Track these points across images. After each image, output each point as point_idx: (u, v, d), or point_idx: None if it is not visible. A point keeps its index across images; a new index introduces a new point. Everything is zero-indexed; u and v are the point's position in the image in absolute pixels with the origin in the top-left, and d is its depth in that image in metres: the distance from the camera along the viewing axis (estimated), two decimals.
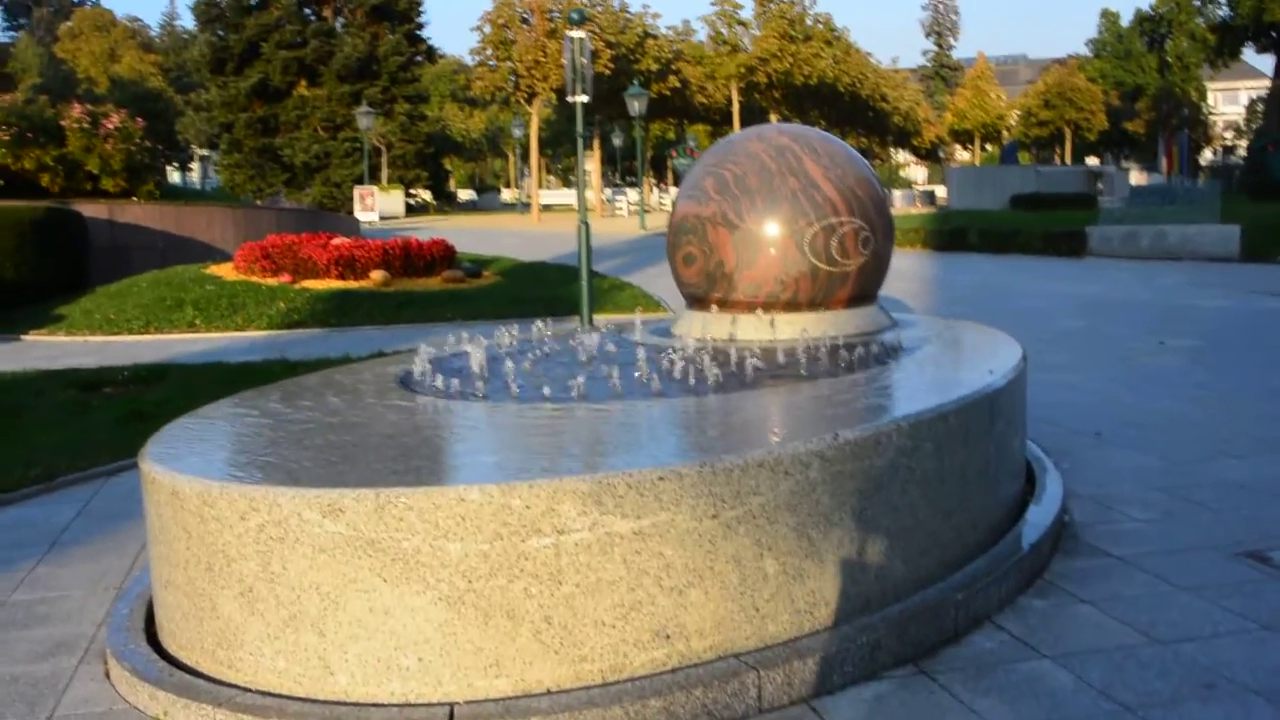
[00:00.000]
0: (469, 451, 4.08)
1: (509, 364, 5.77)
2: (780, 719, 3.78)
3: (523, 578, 3.65)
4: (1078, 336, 12.82)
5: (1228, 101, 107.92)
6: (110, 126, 23.96)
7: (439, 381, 5.46)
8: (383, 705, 3.70)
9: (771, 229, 6.27)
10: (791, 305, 6.36)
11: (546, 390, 5.09)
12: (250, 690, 3.85)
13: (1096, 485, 6.47)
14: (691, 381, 5.24)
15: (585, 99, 12.54)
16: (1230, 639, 4.32)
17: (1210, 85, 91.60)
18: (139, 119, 25.50)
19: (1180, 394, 9.16)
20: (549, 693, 3.70)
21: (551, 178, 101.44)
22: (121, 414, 9.27)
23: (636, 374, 5.44)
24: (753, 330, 6.40)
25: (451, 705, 3.66)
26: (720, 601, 3.86)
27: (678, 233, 6.67)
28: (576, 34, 12.07)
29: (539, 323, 7.03)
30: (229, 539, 3.85)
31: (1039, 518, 5.39)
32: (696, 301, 6.74)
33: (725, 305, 6.48)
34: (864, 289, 6.49)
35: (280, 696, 3.80)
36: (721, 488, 3.81)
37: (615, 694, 3.67)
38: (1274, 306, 15.39)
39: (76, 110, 23.95)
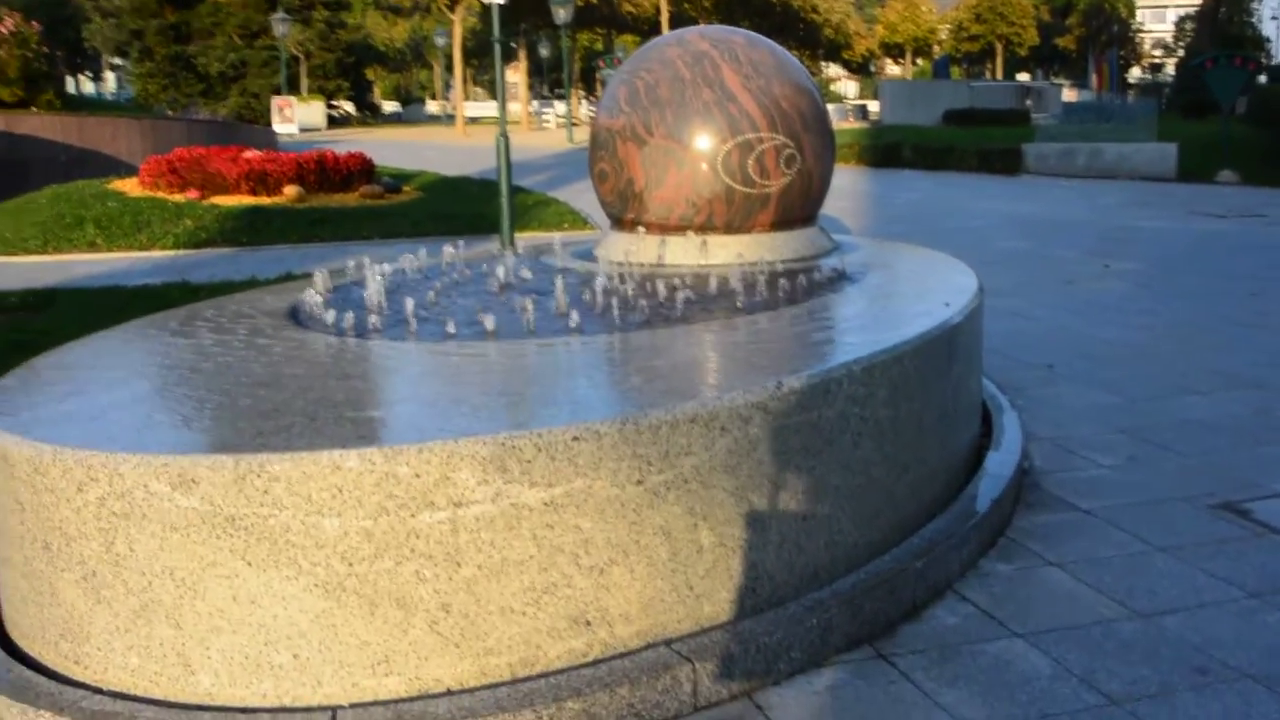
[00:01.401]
0: (352, 404, 3.49)
1: (412, 295, 5.18)
2: (718, 717, 3.25)
3: (414, 559, 3.08)
4: (1020, 259, 12.36)
5: (1155, 19, 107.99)
6: (4, 31, 22.61)
7: (330, 316, 4.84)
8: (253, 710, 3.12)
9: (681, 145, 5.67)
10: (706, 229, 5.78)
11: (450, 327, 4.49)
12: (99, 691, 3.25)
13: (1055, 426, 6.00)
14: (614, 315, 4.66)
15: (502, 1, 11.73)
16: (1217, 610, 3.86)
17: (1139, 2, 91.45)
18: (34, 23, 24.12)
19: (1130, 321, 8.73)
20: (449, 693, 3.14)
21: (478, 89, 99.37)
22: (3, 345, 8.50)
23: (553, 306, 4.86)
24: (682, 253, 5.82)
25: (334, 709, 3.10)
26: (648, 580, 3.31)
27: (593, 146, 6.08)
28: None
29: (448, 246, 6.39)
30: (66, 514, 3.22)
31: (999, 467, 4.89)
32: (617, 222, 6.15)
33: (639, 227, 5.89)
34: (789, 212, 5.87)
35: (133, 699, 3.20)
36: (647, 448, 3.25)
37: (526, 693, 3.12)
38: (1215, 228, 15.04)
39: None
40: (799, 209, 5.89)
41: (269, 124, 47.10)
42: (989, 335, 7.32)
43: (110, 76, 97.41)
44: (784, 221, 5.85)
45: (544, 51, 66.39)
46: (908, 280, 5.98)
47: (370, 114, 74.68)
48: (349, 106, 68.67)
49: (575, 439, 3.15)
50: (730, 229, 5.76)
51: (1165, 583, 4.08)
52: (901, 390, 4.06)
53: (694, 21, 63.56)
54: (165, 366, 4.30)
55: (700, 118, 5.63)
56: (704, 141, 5.62)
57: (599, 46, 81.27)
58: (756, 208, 5.73)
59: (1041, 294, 10.03)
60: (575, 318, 4.58)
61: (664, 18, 64.45)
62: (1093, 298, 9.83)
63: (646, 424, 3.24)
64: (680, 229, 5.79)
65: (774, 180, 5.68)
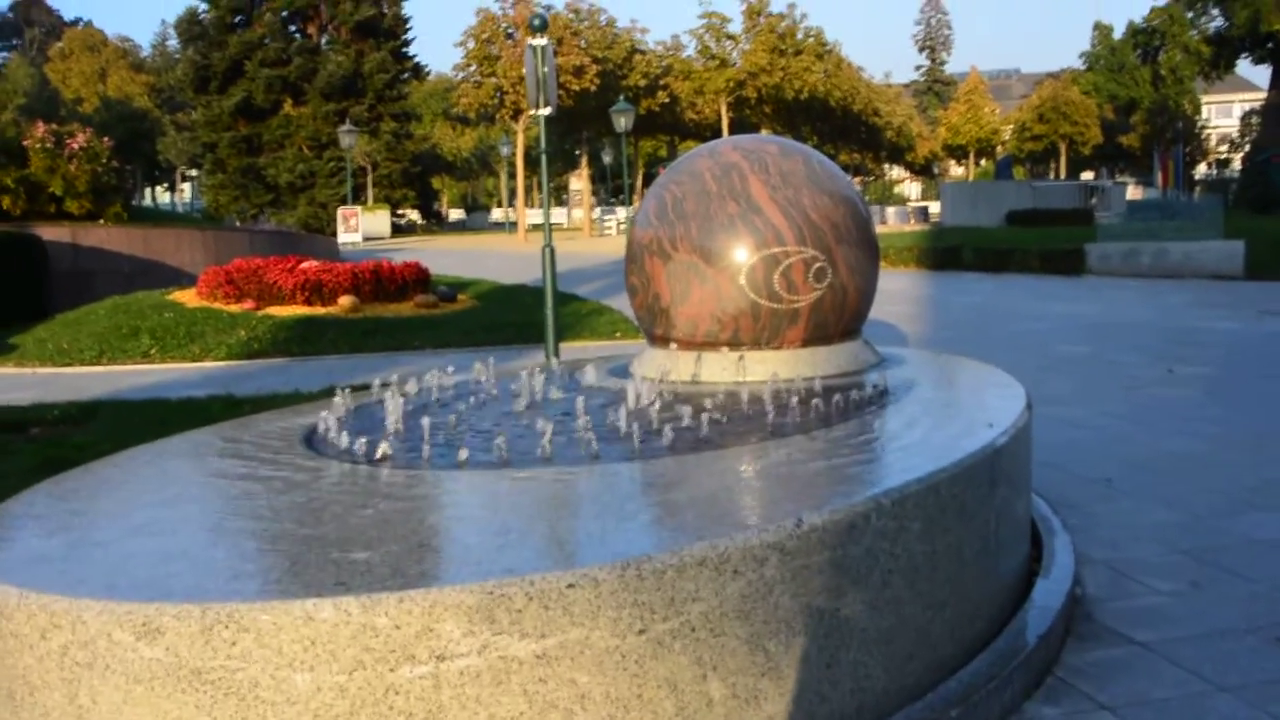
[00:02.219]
0: (340, 544, 3.28)
1: (434, 415, 5.01)
2: None
3: (393, 716, 2.84)
4: (1079, 363, 12.01)
5: (1221, 115, 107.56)
6: (75, 146, 23.13)
7: (343, 440, 4.66)
8: None
9: (704, 260, 5.51)
10: (733, 345, 5.59)
11: (463, 454, 4.29)
12: None
13: (1111, 547, 5.67)
14: (636, 442, 4.43)
15: (548, 112, 11.71)
16: None
17: (1203, 99, 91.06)
18: (105, 139, 24.67)
19: (1195, 431, 8.35)
20: None
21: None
22: (38, 460, 8.42)
23: (576, 430, 4.64)
24: (719, 370, 5.62)
25: None
26: None
27: (627, 259, 5.96)
28: (538, 42, 11.25)
29: (478, 363, 6.22)
30: (30, 662, 3.04)
31: (1048, 598, 4.58)
32: (651, 337, 5.99)
33: (672, 343, 5.72)
34: (822, 329, 5.65)
35: None
36: (650, 595, 3.00)
37: None
38: None
39: (40, 130, 23.12)
40: (833, 324, 5.66)
41: (335, 233, 47.88)
42: (1044, 447, 7.03)
43: (186, 187, 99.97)
44: (817, 338, 5.63)
45: (606, 159, 67.10)
46: (951, 398, 5.72)
47: (435, 221, 75.77)
48: (415, 215, 69.72)
49: (570, 586, 2.91)
50: (758, 345, 5.56)
51: None
52: (938, 523, 3.79)
53: (756, 126, 64.08)
54: (162, 498, 4.12)
55: (725, 232, 5.46)
56: (727, 256, 5.45)
57: (663, 153, 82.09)
58: (785, 324, 5.52)
59: (1102, 401, 9.68)
60: (595, 444, 4.37)
61: (724, 124, 64.98)
62: (1156, 405, 9.47)
63: (650, 569, 3.00)
64: (707, 345, 5.60)
65: (803, 295, 5.47)
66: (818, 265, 5.46)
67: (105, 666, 2.91)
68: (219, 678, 2.83)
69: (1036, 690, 4.07)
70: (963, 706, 3.64)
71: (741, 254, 5.44)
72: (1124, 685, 4.11)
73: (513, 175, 70.59)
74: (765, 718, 3.22)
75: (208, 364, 14.48)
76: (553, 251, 12.45)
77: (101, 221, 23.51)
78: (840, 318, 5.67)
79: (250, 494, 4.04)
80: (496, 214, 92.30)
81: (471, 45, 58.33)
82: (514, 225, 65.64)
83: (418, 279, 19.00)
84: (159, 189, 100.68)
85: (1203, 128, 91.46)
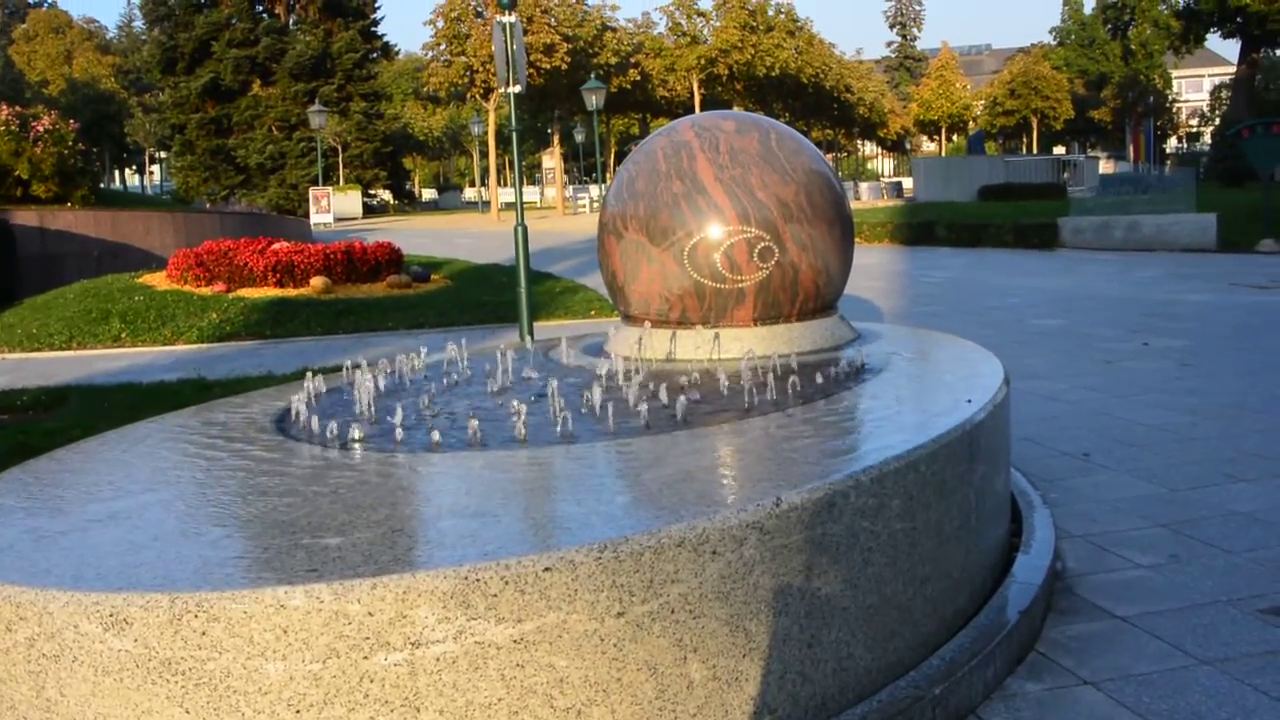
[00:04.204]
0: (311, 530, 3.21)
1: (406, 398, 4.95)
2: None
3: (368, 705, 2.79)
4: (1055, 337, 12.01)
5: (1191, 89, 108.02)
6: (40, 129, 22.85)
7: (314, 424, 4.60)
8: None
9: (649, 239, 5.56)
10: (682, 325, 5.60)
11: (436, 436, 4.23)
12: None
13: (1090, 521, 5.65)
14: (610, 422, 4.37)
15: (518, 90, 11.63)
16: None
17: (1174, 73, 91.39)
18: (71, 121, 24.40)
19: (1172, 403, 8.35)
20: None
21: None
22: (7, 447, 8.31)
23: (550, 410, 4.59)
24: (693, 348, 5.58)
25: None
26: None
27: (597, 238, 5.96)
28: (506, 19, 11.15)
29: (451, 344, 6.16)
30: None
31: (1029, 573, 4.55)
32: (622, 314, 5.99)
33: (640, 320, 5.72)
34: (773, 308, 5.62)
35: None
36: (629, 577, 2.95)
37: None
38: (1259, 300, 14.63)
39: (3, 113, 22.82)
40: (785, 304, 5.62)
41: (307, 214, 47.55)
42: (1021, 422, 7.03)
43: (155, 169, 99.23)
44: (769, 317, 5.62)
45: (579, 137, 66.85)
46: (929, 373, 5.67)
47: (407, 202, 75.35)
48: (386, 195, 69.33)
49: (547, 570, 2.85)
50: (706, 324, 5.60)
51: (1211, 703, 3.72)
52: (918, 499, 3.75)
53: (728, 104, 63.93)
54: (130, 485, 4.04)
55: (668, 211, 5.51)
56: (670, 235, 5.50)
57: (635, 130, 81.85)
58: (731, 303, 5.53)
59: (1078, 375, 9.67)
60: (570, 424, 4.31)
61: (696, 101, 64.82)
62: (1132, 378, 9.47)
63: (627, 551, 2.95)
64: (659, 324, 5.65)
65: (747, 275, 5.46)
66: (763, 245, 5.43)
67: (73, 658, 2.85)
68: (189, 668, 2.77)
69: (1019, 666, 4.05)
70: (946, 683, 3.61)
71: (683, 233, 5.47)
72: (1106, 660, 4.09)
73: (485, 154, 70.20)
74: (747, 699, 3.18)
75: (179, 347, 14.36)
76: (525, 230, 12.36)
77: (69, 205, 23.25)
78: (792, 297, 5.62)
79: (220, 480, 3.97)
80: (469, 193, 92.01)
81: (441, 24, 57.95)
82: (487, 204, 65.37)
83: (390, 259, 18.88)
84: (128, 171, 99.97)
85: (1173, 102, 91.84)
